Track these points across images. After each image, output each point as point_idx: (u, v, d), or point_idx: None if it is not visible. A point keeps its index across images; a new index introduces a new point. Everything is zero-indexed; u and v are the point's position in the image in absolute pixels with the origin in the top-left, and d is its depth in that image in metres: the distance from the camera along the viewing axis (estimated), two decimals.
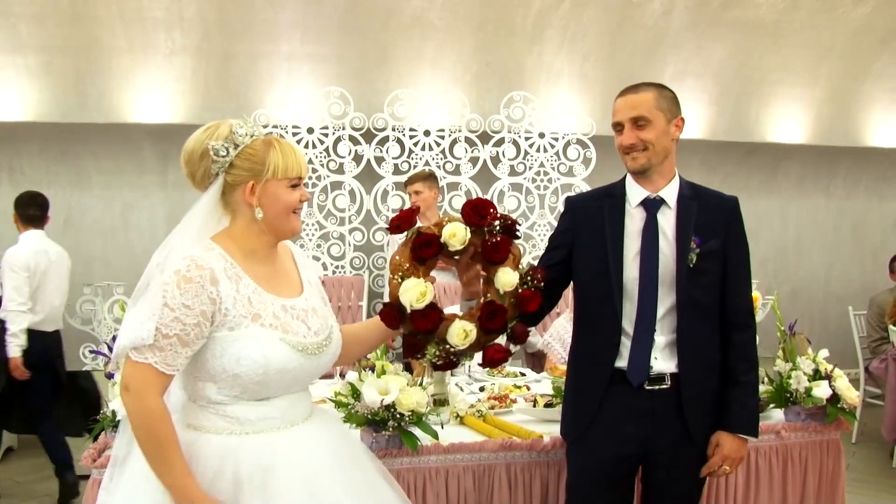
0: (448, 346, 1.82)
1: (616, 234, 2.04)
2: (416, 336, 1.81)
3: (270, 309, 1.63)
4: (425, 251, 1.79)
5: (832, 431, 2.61)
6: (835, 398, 2.55)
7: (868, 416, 5.09)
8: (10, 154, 5.16)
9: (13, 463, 4.69)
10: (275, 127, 5.01)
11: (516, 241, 1.94)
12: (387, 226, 1.94)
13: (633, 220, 2.05)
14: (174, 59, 5.07)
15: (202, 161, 1.64)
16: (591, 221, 2.08)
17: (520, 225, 1.92)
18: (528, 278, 1.88)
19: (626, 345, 2.02)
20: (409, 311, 1.76)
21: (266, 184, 1.64)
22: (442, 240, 1.80)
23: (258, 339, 1.58)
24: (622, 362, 2.02)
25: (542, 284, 1.92)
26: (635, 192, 2.07)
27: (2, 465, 4.64)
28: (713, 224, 2.03)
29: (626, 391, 2.01)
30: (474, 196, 5.27)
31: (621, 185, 2.12)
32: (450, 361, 1.84)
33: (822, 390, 2.52)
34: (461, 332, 1.80)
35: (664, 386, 2.00)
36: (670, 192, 2.05)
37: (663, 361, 2.01)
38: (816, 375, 2.56)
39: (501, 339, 1.91)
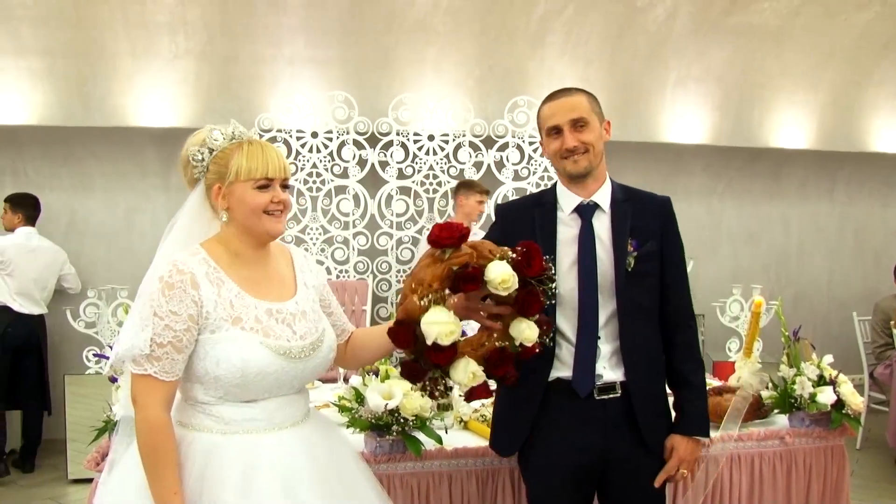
0: (448, 380, 1.72)
1: (548, 243, 1.98)
2: (420, 363, 1.70)
3: (253, 312, 1.64)
4: (467, 287, 1.65)
5: (836, 437, 2.60)
6: (839, 404, 2.55)
7: (872, 421, 5.09)
8: (13, 157, 5.16)
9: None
10: (279, 131, 5.02)
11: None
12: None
13: (568, 228, 2.02)
14: (177, 63, 5.08)
15: (187, 167, 1.70)
16: (521, 229, 2.00)
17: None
18: (544, 335, 1.77)
19: (570, 354, 1.98)
20: (428, 343, 1.63)
21: (231, 186, 1.64)
22: (486, 278, 1.65)
23: (237, 343, 1.59)
24: (567, 372, 1.98)
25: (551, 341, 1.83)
26: (568, 199, 2.03)
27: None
28: (649, 225, 2.00)
29: (574, 403, 1.97)
30: None
31: (552, 192, 2.08)
32: (442, 393, 1.75)
33: (826, 396, 2.52)
34: (470, 376, 1.68)
35: (615, 395, 1.97)
36: (603, 196, 2.03)
37: (611, 370, 1.97)
38: (821, 381, 2.56)
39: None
